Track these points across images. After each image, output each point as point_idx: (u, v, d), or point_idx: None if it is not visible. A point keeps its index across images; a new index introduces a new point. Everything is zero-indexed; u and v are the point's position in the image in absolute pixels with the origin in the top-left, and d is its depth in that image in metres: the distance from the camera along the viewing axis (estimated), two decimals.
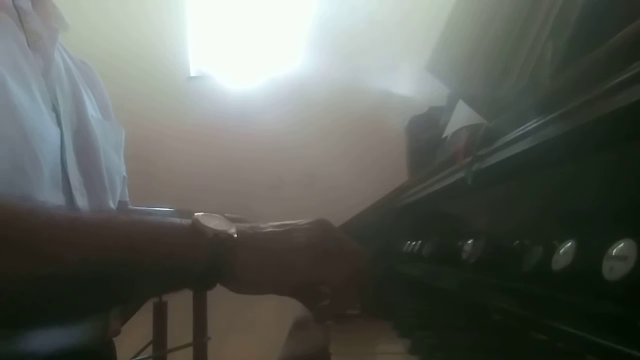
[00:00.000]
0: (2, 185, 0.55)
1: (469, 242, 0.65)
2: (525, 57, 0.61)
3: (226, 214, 0.52)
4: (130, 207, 0.94)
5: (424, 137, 1.44)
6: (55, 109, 0.68)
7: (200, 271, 0.47)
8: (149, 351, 1.59)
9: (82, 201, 0.70)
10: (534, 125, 0.51)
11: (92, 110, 0.79)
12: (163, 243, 0.46)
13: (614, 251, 0.36)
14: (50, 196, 0.63)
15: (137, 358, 1.56)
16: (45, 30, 0.70)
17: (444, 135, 1.00)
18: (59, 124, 0.67)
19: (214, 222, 0.48)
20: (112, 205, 0.79)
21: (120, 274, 0.45)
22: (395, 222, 1.17)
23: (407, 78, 2.03)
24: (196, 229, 0.47)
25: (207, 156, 2.14)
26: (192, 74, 2.27)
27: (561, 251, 0.43)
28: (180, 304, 1.61)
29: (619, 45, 0.41)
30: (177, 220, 0.48)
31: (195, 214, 0.48)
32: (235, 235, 0.48)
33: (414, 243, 0.94)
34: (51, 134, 0.65)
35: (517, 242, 0.54)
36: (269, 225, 0.52)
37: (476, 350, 0.44)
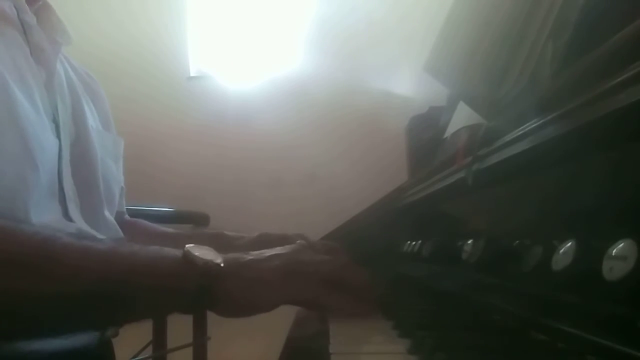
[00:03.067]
0: (4, 193, 0.58)
1: (469, 242, 0.65)
2: (525, 57, 0.61)
3: (226, 232, 0.62)
4: (126, 217, 0.95)
5: (424, 137, 1.44)
6: (55, 120, 0.69)
7: (191, 297, 0.53)
8: (149, 351, 1.59)
9: (75, 211, 0.71)
10: (534, 125, 0.51)
11: (92, 122, 0.80)
12: (158, 272, 0.53)
13: (614, 251, 0.36)
14: (46, 205, 0.65)
15: (137, 358, 1.56)
16: (49, 44, 0.71)
17: (444, 136, 1.00)
18: (58, 135, 0.69)
19: (203, 252, 0.55)
20: (110, 214, 0.81)
21: (121, 296, 0.52)
22: (395, 222, 1.17)
23: (407, 78, 2.03)
24: (187, 259, 0.53)
25: (207, 156, 2.14)
26: (192, 74, 2.27)
27: (561, 251, 0.43)
28: None
29: (619, 45, 0.41)
30: (171, 251, 0.55)
31: (187, 245, 0.55)
32: (222, 265, 0.54)
33: (414, 243, 0.94)
34: (50, 144, 0.67)
35: (517, 242, 0.54)
36: (250, 254, 0.58)
37: (476, 350, 0.44)
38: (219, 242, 0.86)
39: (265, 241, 0.83)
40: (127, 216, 0.98)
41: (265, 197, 2.07)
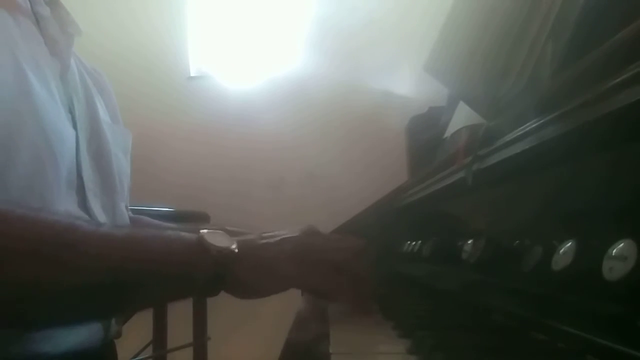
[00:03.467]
0: (22, 182, 0.58)
1: (469, 242, 0.65)
2: (525, 57, 0.61)
3: (227, 227, 0.63)
4: (129, 213, 0.95)
5: (424, 137, 1.44)
6: (71, 111, 0.70)
7: (205, 281, 0.55)
8: (149, 351, 1.59)
9: (94, 202, 0.72)
10: (534, 125, 0.51)
11: (103, 115, 0.81)
12: (175, 257, 0.55)
13: (614, 251, 0.36)
14: (65, 196, 0.66)
15: (137, 358, 1.56)
16: (62, 35, 0.72)
17: (444, 136, 1.00)
18: (75, 126, 0.69)
19: (218, 239, 0.56)
20: (123, 206, 0.81)
21: (138, 283, 0.53)
22: (395, 222, 1.17)
23: (407, 78, 2.03)
24: (202, 245, 0.55)
25: (207, 156, 2.14)
26: (192, 74, 2.27)
27: (561, 251, 0.43)
28: (180, 304, 1.62)
29: (619, 45, 0.41)
30: (186, 236, 0.56)
31: (201, 230, 0.56)
32: (236, 250, 0.56)
33: (414, 243, 0.94)
34: (68, 135, 0.67)
35: (517, 242, 0.54)
36: (262, 237, 0.60)
37: (476, 351, 0.44)
38: None
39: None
40: (130, 213, 0.99)
41: (265, 196, 2.07)
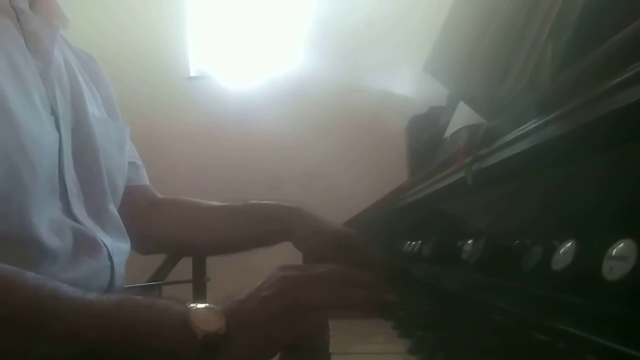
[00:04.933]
0: (0, 197, 0.56)
1: (469, 242, 0.65)
2: (525, 57, 0.61)
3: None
4: (159, 196, 0.96)
5: (424, 137, 1.44)
6: (54, 113, 0.67)
7: None
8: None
9: (79, 207, 0.69)
10: (534, 125, 0.51)
11: (93, 109, 0.78)
12: (159, 337, 0.50)
13: (614, 251, 0.36)
14: (47, 204, 0.63)
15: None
16: (45, 29, 0.69)
17: (444, 136, 1.00)
18: (58, 128, 0.67)
19: (205, 318, 0.51)
20: (114, 208, 0.79)
21: (118, 358, 0.49)
22: (395, 222, 1.17)
23: (407, 78, 2.03)
24: (188, 330, 0.50)
25: (206, 156, 2.14)
26: (192, 74, 2.27)
27: (561, 251, 0.43)
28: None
29: (619, 45, 0.41)
30: (174, 314, 0.51)
31: (190, 306, 0.51)
32: (224, 331, 0.51)
33: (414, 243, 0.94)
34: (49, 140, 0.65)
35: (517, 242, 0.54)
36: (247, 299, 0.54)
37: (476, 350, 0.44)
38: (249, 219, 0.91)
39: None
40: (158, 195, 0.97)
41: (265, 196, 2.07)
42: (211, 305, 0.53)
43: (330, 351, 0.48)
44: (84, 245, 0.68)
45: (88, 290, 0.51)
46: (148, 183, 0.96)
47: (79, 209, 0.69)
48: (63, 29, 0.74)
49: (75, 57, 0.81)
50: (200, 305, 0.52)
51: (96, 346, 0.48)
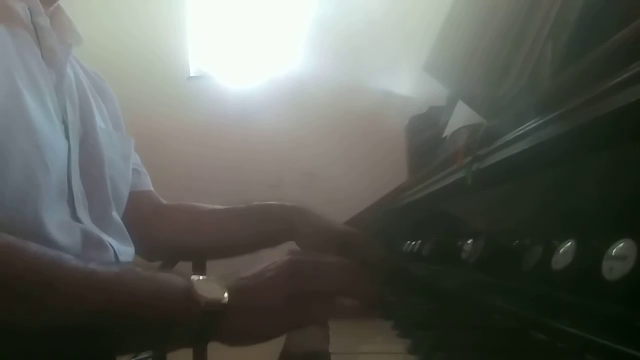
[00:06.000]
0: (15, 194, 0.59)
1: (469, 242, 0.65)
2: (525, 57, 0.61)
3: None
4: (163, 202, 0.99)
5: (424, 137, 1.44)
6: (64, 122, 0.71)
7: (193, 333, 0.51)
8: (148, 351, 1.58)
9: (84, 212, 0.72)
10: (534, 125, 0.51)
11: (100, 122, 0.81)
12: (161, 305, 0.51)
13: (614, 251, 0.36)
14: (57, 207, 0.66)
15: (137, 358, 1.56)
16: (61, 45, 0.73)
17: (444, 135, 1.00)
18: (67, 137, 0.70)
19: (208, 288, 0.52)
20: (117, 215, 0.81)
21: (121, 326, 0.50)
22: (395, 222, 1.17)
23: (407, 78, 2.03)
24: (191, 296, 0.51)
25: (207, 156, 2.14)
26: (192, 74, 2.27)
27: (561, 251, 0.43)
28: None
29: (619, 45, 0.41)
30: (177, 282, 0.52)
31: (192, 277, 0.52)
32: (226, 302, 0.51)
33: (414, 243, 0.94)
34: (60, 146, 0.68)
35: (517, 242, 0.54)
36: (253, 277, 0.55)
37: (476, 350, 0.44)
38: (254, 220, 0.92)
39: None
40: (163, 201, 1.00)
41: (265, 197, 2.06)
42: (214, 277, 0.53)
43: (330, 351, 0.48)
44: (92, 244, 0.70)
45: (91, 260, 0.52)
46: (152, 189, 0.98)
47: (84, 215, 0.72)
48: (76, 46, 0.78)
49: (85, 75, 0.85)
50: (202, 277, 0.53)
51: (98, 315, 0.48)
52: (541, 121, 0.50)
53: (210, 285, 0.52)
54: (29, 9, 0.69)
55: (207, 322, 0.51)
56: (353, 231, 0.90)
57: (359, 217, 1.30)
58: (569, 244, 0.42)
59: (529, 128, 0.52)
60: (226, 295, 0.52)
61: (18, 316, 0.46)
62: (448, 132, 0.95)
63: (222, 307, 0.51)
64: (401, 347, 0.48)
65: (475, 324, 0.56)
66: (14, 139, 0.59)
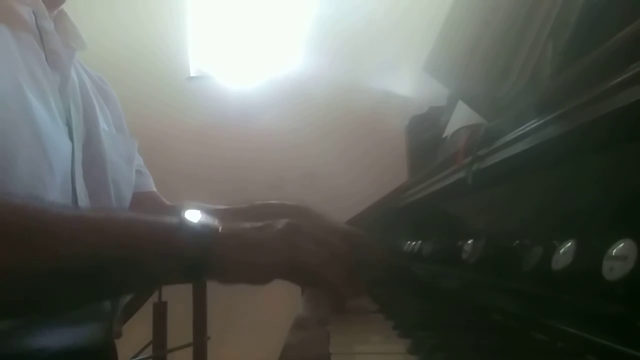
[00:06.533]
0: (22, 190, 0.59)
1: (469, 242, 0.65)
2: (526, 57, 0.61)
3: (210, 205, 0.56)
4: (158, 198, 0.98)
5: (424, 137, 1.44)
6: (68, 123, 0.71)
7: (189, 262, 0.52)
8: (149, 351, 1.59)
9: None
10: (534, 125, 0.51)
11: (103, 124, 0.82)
12: (155, 238, 0.52)
13: (614, 251, 0.36)
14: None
15: (137, 358, 1.56)
16: (64, 49, 0.73)
17: (444, 135, 1.00)
18: (71, 138, 0.71)
19: (200, 218, 0.54)
20: None
21: (118, 265, 0.51)
22: (395, 222, 1.17)
23: (407, 78, 2.03)
24: (184, 225, 0.52)
25: (207, 156, 2.14)
26: (192, 74, 2.27)
27: (561, 251, 0.43)
28: (180, 304, 1.61)
29: (619, 45, 0.41)
30: (168, 217, 0.54)
31: (185, 211, 0.54)
32: (220, 229, 0.53)
33: (414, 243, 0.94)
34: (64, 147, 0.68)
35: (517, 242, 0.54)
36: (248, 223, 0.57)
37: (476, 350, 0.44)
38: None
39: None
40: (166, 201, 1.00)
41: (265, 196, 2.07)
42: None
43: (330, 351, 0.48)
44: None
45: (79, 207, 0.54)
46: (154, 190, 0.98)
47: None
48: (80, 50, 0.79)
49: (89, 78, 0.86)
50: (195, 210, 0.55)
51: (93, 257, 0.49)
52: (541, 121, 0.50)
53: (202, 217, 0.54)
54: (33, 12, 0.70)
55: (201, 248, 0.52)
56: (355, 230, 0.90)
57: (359, 217, 1.30)
58: (569, 244, 0.42)
59: (528, 128, 0.52)
60: (217, 224, 0.53)
61: (20, 262, 0.47)
62: (448, 132, 0.95)
63: (215, 232, 0.52)
64: (401, 347, 0.48)
65: (475, 324, 0.56)
66: (19, 140, 0.60)
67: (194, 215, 0.54)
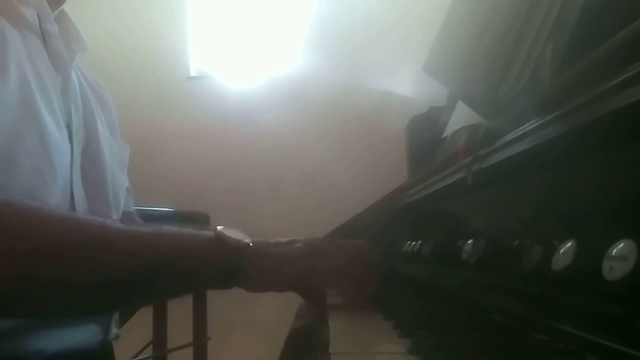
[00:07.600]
0: (24, 194, 0.60)
1: (469, 242, 0.65)
2: (525, 57, 0.61)
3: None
4: (135, 218, 0.96)
5: (424, 137, 1.44)
6: (68, 126, 0.71)
7: (224, 272, 0.61)
8: (149, 351, 1.59)
9: None
10: (534, 125, 0.51)
11: (101, 129, 0.82)
12: (196, 251, 0.61)
13: (614, 251, 0.36)
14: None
15: (137, 358, 1.56)
16: (66, 51, 0.74)
17: (444, 135, 1.00)
18: (71, 140, 0.71)
19: (233, 233, 0.62)
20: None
21: (163, 276, 0.58)
22: (395, 222, 1.17)
23: (407, 78, 2.03)
24: (220, 239, 0.61)
25: (207, 156, 2.14)
26: (192, 74, 2.27)
27: (561, 251, 0.43)
28: (180, 304, 1.61)
29: (619, 45, 0.41)
30: (204, 232, 0.63)
31: (218, 227, 0.62)
32: (251, 244, 0.62)
33: (414, 243, 0.94)
34: (65, 148, 0.69)
35: (517, 242, 0.54)
36: (276, 239, 0.67)
37: (476, 350, 0.44)
38: None
39: None
40: (135, 217, 0.99)
41: (266, 196, 2.07)
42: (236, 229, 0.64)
43: (330, 351, 0.48)
44: None
45: (129, 224, 0.62)
46: (132, 210, 0.98)
47: None
48: (81, 52, 0.79)
49: (86, 81, 0.85)
50: (227, 227, 0.63)
51: (148, 266, 0.56)
52: (541, 121, 0.50)
53: (235, 233, 0.63)
54: (37, 15, 0.70)
55: (235, 261, 0.60)
56: (363, 245, 0.92)
57: (359, 217, 1.30)
58: (569, 244, 0.42)
59: (528, 128, 0.52)
60: (249, 240, 0.62)
61: (79, 276, 0.52)
62: (448, 132, 0.95)
63: (248, 247, 0.61)
64: (401, 347, 0.48)
65: (475, 324, 0.56)
66: (24, 138, 0.60)
67: (227, 231, 0.62)
